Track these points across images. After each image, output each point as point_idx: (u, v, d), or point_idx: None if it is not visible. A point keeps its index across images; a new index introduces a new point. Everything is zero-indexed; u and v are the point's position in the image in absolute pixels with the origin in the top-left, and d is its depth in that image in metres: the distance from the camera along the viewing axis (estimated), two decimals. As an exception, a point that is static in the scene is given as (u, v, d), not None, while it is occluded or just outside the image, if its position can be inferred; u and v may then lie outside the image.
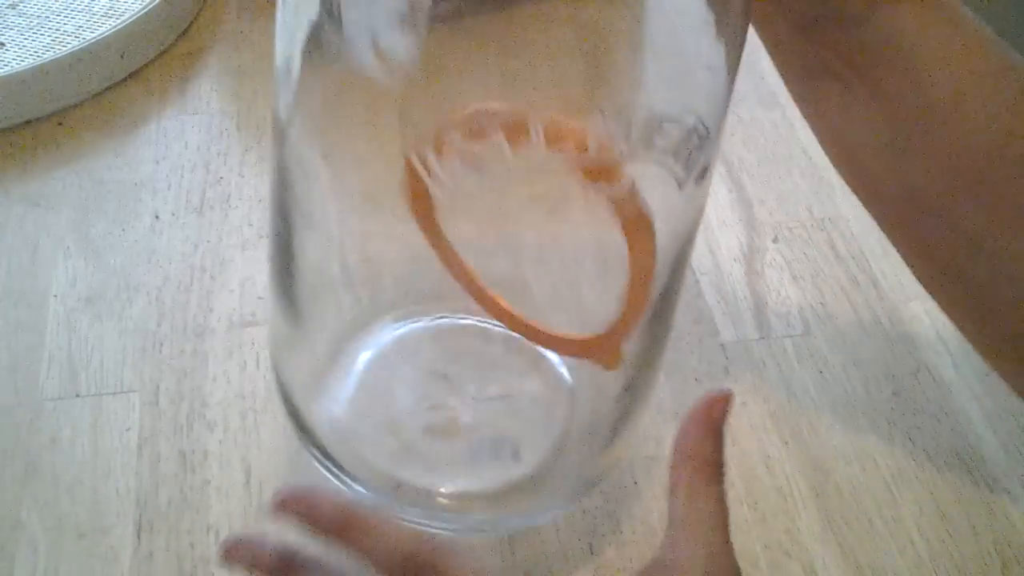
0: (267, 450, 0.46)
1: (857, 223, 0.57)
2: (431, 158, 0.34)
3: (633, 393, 0.41)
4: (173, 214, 0.56)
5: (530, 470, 0.42)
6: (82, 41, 0.61)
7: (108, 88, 0.62)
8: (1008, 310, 0.38)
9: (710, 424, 0.34)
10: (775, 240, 0.56)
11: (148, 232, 0.55)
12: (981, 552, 0.43)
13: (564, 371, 0.45)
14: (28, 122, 0.60)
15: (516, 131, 0.32)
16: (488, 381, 0.45)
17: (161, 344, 0.50)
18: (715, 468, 0.34)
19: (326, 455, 0.41)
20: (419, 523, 0.40)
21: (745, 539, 0.44)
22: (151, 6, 0.64)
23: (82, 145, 0.60)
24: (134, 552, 0.43)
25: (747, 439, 0.47)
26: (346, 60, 0.33)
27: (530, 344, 0.43)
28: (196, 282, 0.53)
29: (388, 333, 0.46)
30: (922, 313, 0.52)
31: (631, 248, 0.35)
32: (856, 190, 0.42)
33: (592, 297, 0.42)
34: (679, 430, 0.35)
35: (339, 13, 0.32)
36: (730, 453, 0.46)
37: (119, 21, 0.63)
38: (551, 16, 0.34)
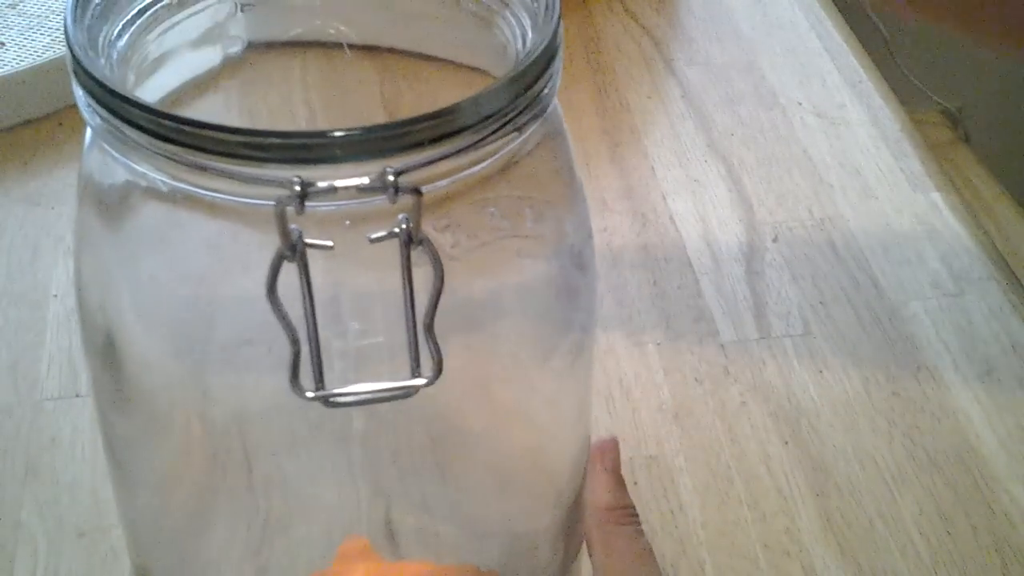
0: (267, 450, 0.46)
1: (857, 223, 0.57)
2: None
3: None
4: (173, 214, 0.56)
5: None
6: (82, 41, 0.61)
7: (108, 88, 0.62)
8: None
9: (606, 472, 0.36)
10: (775, 240, 0.56)
11: (148, 232, 0.55)
12: (981, 552, 0.43)
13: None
14: (28, 122, 0.60)
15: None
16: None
17: (161, 344, 0.50)
18: (623, 511, 0.35)
19: None
20: None
21: (745, 539, 0.44)
22: (151, 6, 0.64)
23: (82, 145, 0.60)
24: (134, 552, 0.43)
25: (747, 439, 0.47)
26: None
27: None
28: (196, 282, 0.53)
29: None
30: (922, 313, 0.52)
31: None
32: None
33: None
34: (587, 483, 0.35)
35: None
36: (730, 453, 0.47)
37: (119, 21, 0.63)
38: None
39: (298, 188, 0.25)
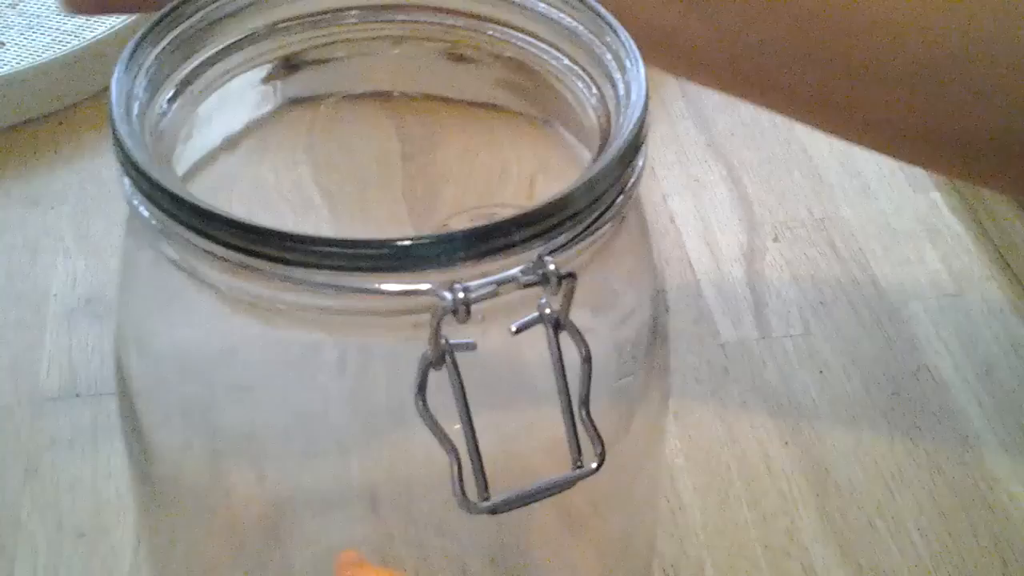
0: (267, 450, 0.46)
1: (857, 223, 0.57)
2: None
3: None
4: (173, 214, 0.56)
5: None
6: (82, 41, 0.61)
7: (108, 88, 0.62)
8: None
9: None
10: (775, 240, 0.56)
11: (148, 232, 0.55)
12: (981, 552, 0.43)
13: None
14: (28, 122, 0.60)
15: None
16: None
17: (161, 344, 0.50)
18: None
19: None
20: None
21: (745, 539, 0.44)
22: (151, 6, 0.64)
23: (82, 145, 0.60)
24: (134, 552, 0.43)
25: (747, 439, 0.47)
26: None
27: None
28: (196, 282, 0.53)
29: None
30: (922, 313, 0.52)
31: None
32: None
33: None
34: None
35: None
36: (730, 453, 0.47)
37: (119, 20, 0.63)
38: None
39: (461, 295, 0.23)
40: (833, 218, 0.57)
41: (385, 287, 0.23)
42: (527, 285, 0.23)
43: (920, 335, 0.51)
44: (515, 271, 0.24)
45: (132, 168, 0.26)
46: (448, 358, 0.24)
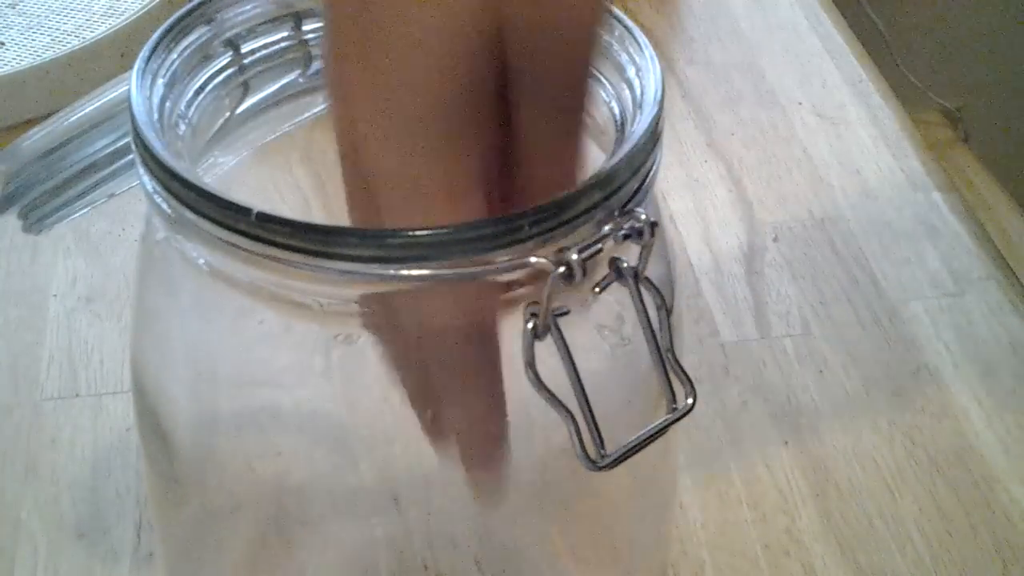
0: (267, 450, 0.46)
1: (857, 223, 0.57)
2: None
3: None
4: (173, 214, 0.56)
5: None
6: (82, 41, 0.61)
7: (108, 88, 0.62)
8: None
9: None
10: (775, 240, 0.56)
11: (148, 232, 0.55)
12: (981, 552, 0.43)
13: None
14: (28, 122, 0.60)
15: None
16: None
17: (161, 344, 0.50)
18: None
19: None
20: None
21: (745, 539, 0.44)
22: (151, 6, 0.64)
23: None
24: (134, 552, 0.43)
25: (747, 439, 0.47)
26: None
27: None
28: (196, 282, 0.53)
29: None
30: (922, 313, 0.52)
31: None
32: None
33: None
34: None
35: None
36: (730, 453, 0.47)
37: (119, 21, 0.63)
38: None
39: (575, 256, 0.24)
40: (833, 218, 0.57)
41: (495, 265, 0.24)
42: (626, 237, 0.24)
43: (920, 335, 0.51)
44: (606, 228, 0.24)
45: (180, 182, 0.25)
46: (553, 326, 0.24)
